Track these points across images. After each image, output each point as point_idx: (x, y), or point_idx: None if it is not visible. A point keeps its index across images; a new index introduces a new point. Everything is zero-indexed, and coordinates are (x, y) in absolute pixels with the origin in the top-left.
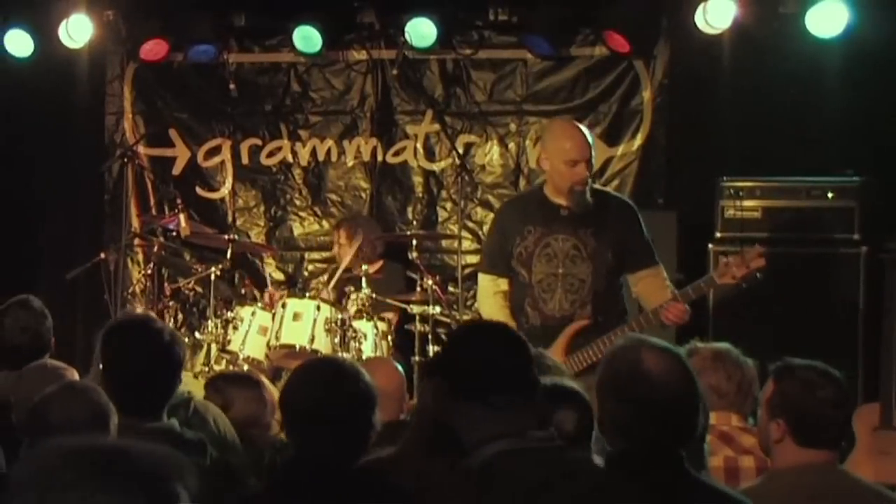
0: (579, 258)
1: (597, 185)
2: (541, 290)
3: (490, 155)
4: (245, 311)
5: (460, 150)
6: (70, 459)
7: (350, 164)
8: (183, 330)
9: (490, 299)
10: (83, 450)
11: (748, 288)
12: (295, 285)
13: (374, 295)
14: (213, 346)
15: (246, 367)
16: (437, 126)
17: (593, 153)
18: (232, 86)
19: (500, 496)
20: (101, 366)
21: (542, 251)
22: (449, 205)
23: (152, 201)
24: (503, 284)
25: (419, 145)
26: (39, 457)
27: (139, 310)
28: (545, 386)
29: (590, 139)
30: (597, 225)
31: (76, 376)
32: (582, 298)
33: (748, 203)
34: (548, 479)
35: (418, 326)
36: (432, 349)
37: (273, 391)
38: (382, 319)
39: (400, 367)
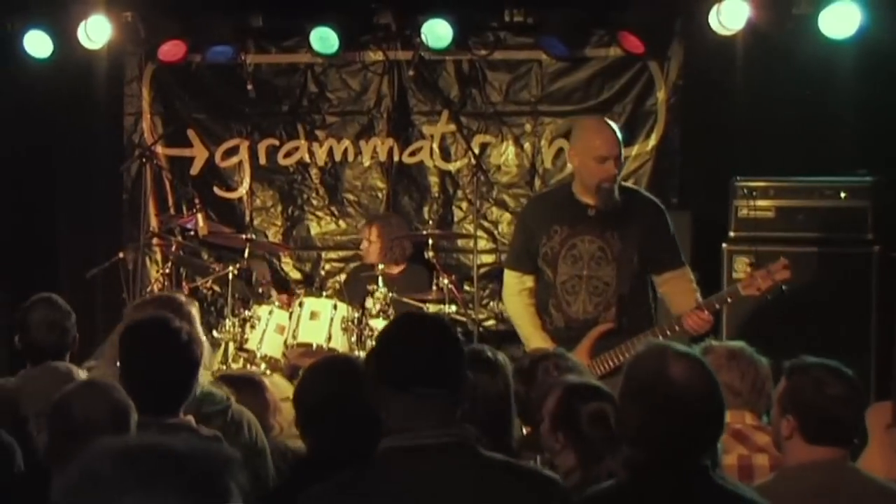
0: (604, 260)
1: (626, 183)
2: (565, 292)
3: (505, 155)
4: (262, 310)
5: (476, 151)
6: (121, 461)
7: (367, 164)
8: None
9: (515, 297)
10: (133, 450)
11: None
12: (312, 284)
13: (391, 294)
14: (231, 345)
15: (263, 366)
16: (452, 126)
17: (622, 151)
18: (249, 86)
19: (386, 491)
20: (117, 363)
21: (568, 252)
22: (465, 204)
23: (170, 201)
24: (528, 282)
25: (435, 145)
26: (89, 459)
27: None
28: (576, 383)
29: (619, 136)
30: (623, 226)
31: (83, 376)
32: (606, 301)
33: (762, 203)
34: (442, 478)
35: None
36: None
37: (277, 391)
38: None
39: None
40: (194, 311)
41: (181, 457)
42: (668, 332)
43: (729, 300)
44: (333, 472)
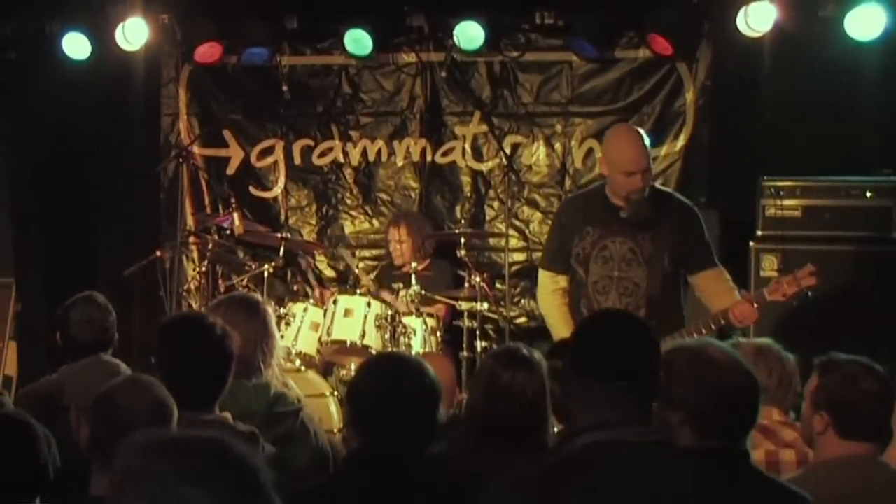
0: (635, 262)
1: (659, 186)
2: (596, 292)
3: (536, 155)
4: (297, 308)
5: (507, 151)
6: (166, 449)
7: (400, 164)
8: None
9: (549, 296)
10: (178, 440)
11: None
12: (346, 282)
13: (423, 291)
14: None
15: (298, 362)
16: (484, 127)
17: (651, 162)
18: (285, 87)
19: (586, 486)
20: (153, 360)
21: (600, 253)
22: (496, 204)
23: (207, 200)
24: (562, 281)
25: (467, 146)
26: (136, 448)
27: (194, 306)
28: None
29: (647, 147)
30: (655, 229)
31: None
32: (636, 302)
33: (788, 202)
34: (637, 474)
35: (466, 322)
36: (480, 345)
37: (312, 388)
38: (431, 315)
39: (451, 362)
40: (270, 310)
41: (222, 449)
42: (704, 330)
43: (755, 305)
44: (384, 468)
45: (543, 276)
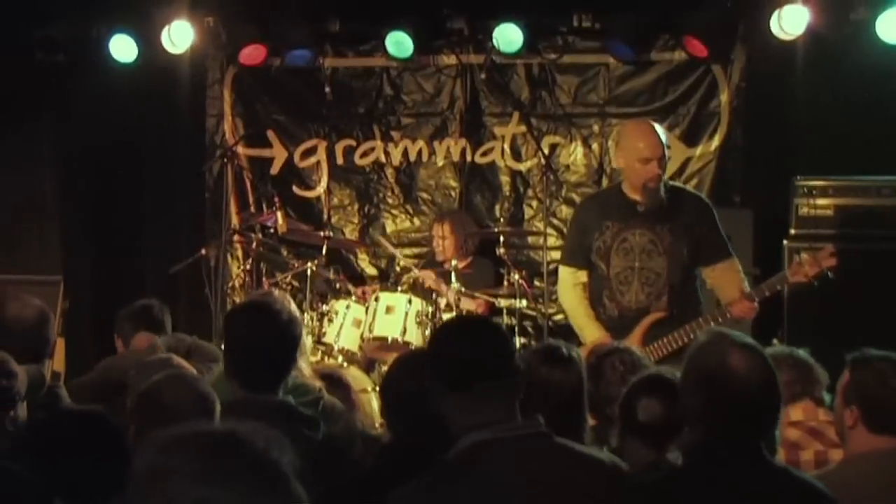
0: (655, 252)
1: (673, 182)
2: (618, 283)
3: (574, 155)
4: (340, 305)
5: (546, 151)
6: (181, 447)
7: (440, 163)
8: None
9: (570, 291)
10: (193, 437)
11: (821, 283)
12: (387, 280)
13: (463, 289)
14: (309, 339)
15: (340, 359)
16: (523, 127)
17: (667, 152)
18: (327, 89)
19: (473, 486)
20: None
21: (620, 245)
22: (535, 203)
23: (251, 199)
24: (582, 277)
25: (506, 146)
26: (153, 446)
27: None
28: (647, 375)
29: (663, 138)
30: (672, 221)
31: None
32: (657, 291)
33: (821, 201)
34: (520, 467)
35: (505, 319)
36: (519, 341)
37: (354, 383)
38: (471, 312)
39: None
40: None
41: (239, 441)
42: (720, 319)
43: (778, 288)
44: (416, 461)
45: (564, 271)
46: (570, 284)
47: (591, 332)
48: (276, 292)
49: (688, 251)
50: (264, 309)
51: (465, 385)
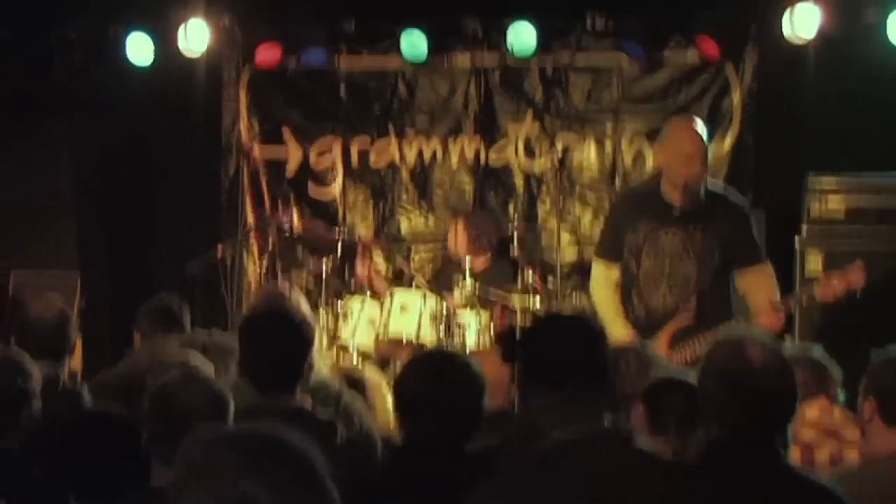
0: (686, 256)
1: (713, 184)
2: (647, 284)
3: (587, 155)
4: (355, 303)
5: (559, 151)
6: (224, 445)
7: (454, 163)
8: None
9: (601, 286)
10: (236, 436)
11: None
12: (402, 278)
13: (477, 287)
14: (324, 337)
15: (355, 357)
16: (537, 127)
17: (708, 153)
18: (342, 89)
19: (559, 482)
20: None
21: (651, 246)
22: (548, 202)
23: (266, 199)
24: (615, 271)
25: (520, 146)
26: (196, 444)
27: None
28: (665, 377)
29: (704, 137)
30: (706, 225)
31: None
32: (686, 295)
33: (832, 200)
34: (607, 470)
35: (519, 318)
36: None
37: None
38: (485, 311)
39: None
40: (303, 302)
41: (279, 444)
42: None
43: (804, 301)
44: (426, 462)
45: (597, 265)
46: (603, 279)
47: (615, 329)
48: (288, 286)
49: (720, 256)
50: (277, 313)
51: (559, 385)
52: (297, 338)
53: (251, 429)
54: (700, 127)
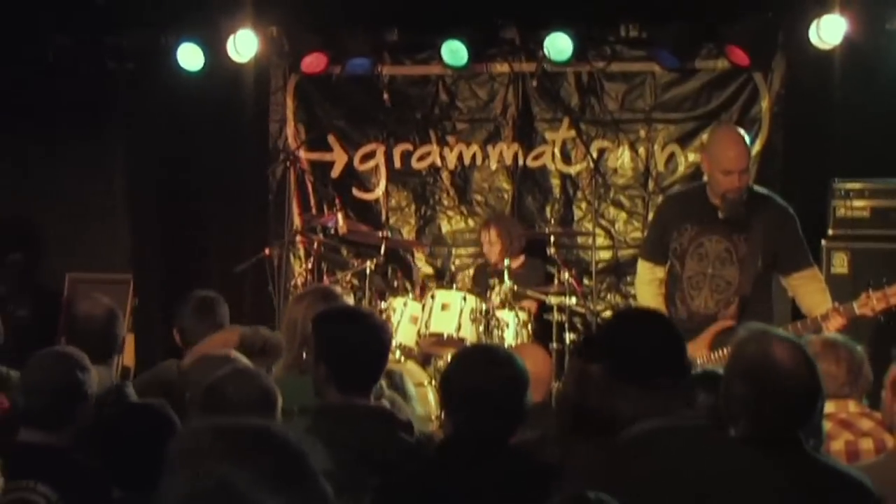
0: (729, 261)
1: (757, 188)
2: (689, 287)
3: (621, 159)
4: (397, 302)
5: (594, 155)
6: (212, 431)
7: (493, 167)
8: None
9: (645, 286)
10: (226, 424)
11: (857, 285)
12: (443, 278)
13: (515, 287)
14: None
15: (398, 354)
16: (573, 132)
17: (749, 163)
18: (385, 96)
19: (651, 468)
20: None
21: (696, 250)
22: (584, 205)
23: (312, 201)
24: (660, 272)
25: (557, 150)
26: (188, 430)
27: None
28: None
29: (748, 149)
30: (750, 230)
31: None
32: (727, 299)
33: (858, 203)
34: (696, 455)
35: (556, 316)
36: (568, 337)
37: (412, 377)
38: (523, 309)
39: (548, 353)
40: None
41: (271, 435)
42: (802, 330)
43: (844, 315)
44: (474, 455)
45: (642, 266)
46: (647, 279)
47: None
48: (337, 287)
49: (763, 262)
50: (357, 313)
51: (648, 379)
52: (383, 339)
53: (245, 421)
54: (742, 137)
